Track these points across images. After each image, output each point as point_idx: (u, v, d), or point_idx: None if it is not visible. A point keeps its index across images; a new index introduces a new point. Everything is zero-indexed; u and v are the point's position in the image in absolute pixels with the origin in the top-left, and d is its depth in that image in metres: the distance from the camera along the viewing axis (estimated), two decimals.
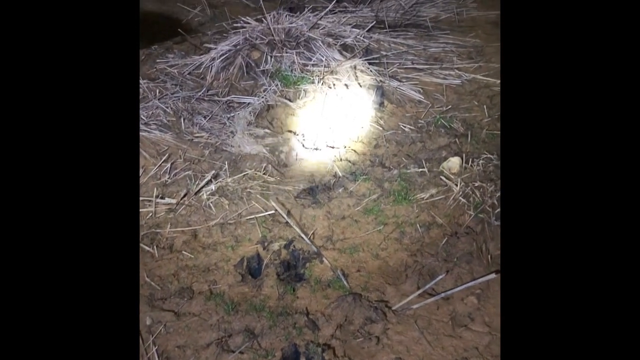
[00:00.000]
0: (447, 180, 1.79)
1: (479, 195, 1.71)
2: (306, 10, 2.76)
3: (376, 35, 2.61)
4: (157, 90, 2.22)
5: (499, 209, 1.64)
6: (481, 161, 1.85)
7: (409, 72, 2.41)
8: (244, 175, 1.84)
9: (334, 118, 2.16)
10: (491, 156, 1.87)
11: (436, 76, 2.39)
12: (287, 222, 1.66)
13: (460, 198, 1.71)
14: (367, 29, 2.62)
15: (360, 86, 2.30)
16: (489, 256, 1.54)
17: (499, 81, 2.32)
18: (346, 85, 2.29)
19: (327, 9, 2.70)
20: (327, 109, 2.17)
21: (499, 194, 1.69)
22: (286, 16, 2.65)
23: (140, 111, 2.10)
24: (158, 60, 2.46)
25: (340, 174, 1.88)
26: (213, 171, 1.85)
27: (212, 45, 2.53)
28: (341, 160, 1.95)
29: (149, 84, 2.27)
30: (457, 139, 2.01)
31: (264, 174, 1.86)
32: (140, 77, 2.32)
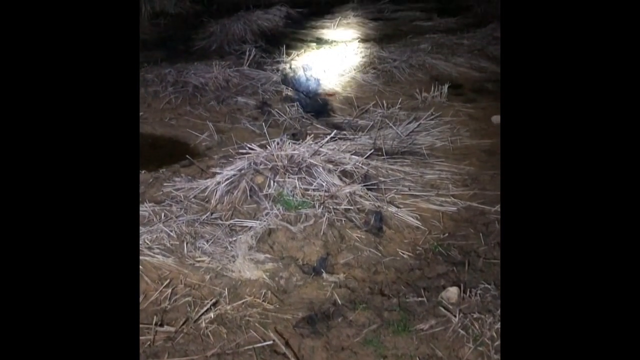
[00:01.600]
0: (445, 311, 1.80)
1: (477, 327, 1.71)
2: (308, 137, 2.92)
3: (374, 162, 2.74)
4: (163, 214, 2.29)
5: (498, 342, 1.63)
6: (479, 291, 1.87)
7: (406, 198, 2.49)
8: (244, 302, 1.86)
9: (334, 242, 2.20)
10: (489, 286, 1.89)
11: (433, 203, 2.47)
12: (285, 354, 1.65)
13: (459, 330, 1.71)
14: (365, 156, 2.75)
15: (359, 211, 2.37)
16: None
17: (494, 208, 2.39)
18: (346, 210, 2.36)
19: (328, 137, 2.85)
20: (327, 233, 2.22)
21: (497, 325, 1.69)
22: (289, 143, 2.79)
23: (145, 235, 2.15)
24: (165, 184, 2.56)
25: (340, 302, 1.88)
26: (213, 298, 1.86)
27: (217, 170, 2.65)
28: (340, 287, 1.97)
29: (155, 208, 2.34)
30: (455, 267, 2.04)
31: (263, 301, 1.87)
32: (147, 201, 2.40)
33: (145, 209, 2.32)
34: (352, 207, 2.36)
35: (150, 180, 2.62)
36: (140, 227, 2.20)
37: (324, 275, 2.04)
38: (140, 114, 3.32)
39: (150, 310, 1.81)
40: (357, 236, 2.23)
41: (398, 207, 2.42)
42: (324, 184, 2.50)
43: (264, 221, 2.27)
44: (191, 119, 3.32)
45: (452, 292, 1.88)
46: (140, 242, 2.11)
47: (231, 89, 3.70)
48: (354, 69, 4.15)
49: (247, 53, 4.23)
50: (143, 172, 2.67)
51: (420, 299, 1.88)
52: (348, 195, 2.43)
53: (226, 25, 5.12)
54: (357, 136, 3.07)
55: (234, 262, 2.05)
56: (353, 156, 2.75)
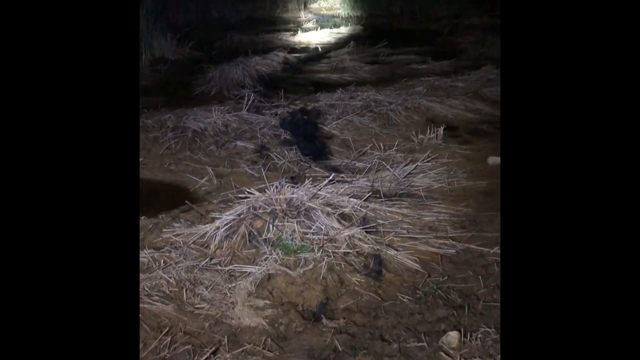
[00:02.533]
0: (446, 356, 1.78)
1: None
2: (307, 181, 2.95)
3: (372, 204, 2.76)
4: (162, 260, 2.30)
5: None
6: (479, 335, 1.86)
7: (405, 240, 2.51)
8: (243, 350, 1.84)
9: (333, 287, 2.20)
10: (489, 330, 1.88)
11: (431, 245, 2.48)
12: None
13: None
14: (364, 199, 2.77)
15: (359, 255, 2.38)
16: None
17: (492, 250, 2.40)
18: (345, 253, 2.37)
19: (327, 180, 2.88)
20: (327, 277, 2.22)
21: None
22: (288, 187, 2.82)
23: (144, 282, 2.15)
24: (164, 230, 2.57)
25: (340, 348, 1.87)
26: (213, 346, 1.85)
27: (217, 214, 2.66)
28: (341, 332, 1.96)
29: (154, 254, 2.35)
30: (454, 311, 2.04)
31: (263, 348, 1.86)
32: (146, 247, 2.41)
33: (144, 256, 2.33)
34: (351, 251, 2.37)
35: (150, 226, 2.63)
36: (140, 274, 2.20)
37: (324, 320, 2.03)
38: (140, 159, 3.36)
39: (150, 359, 1.79)
40: (356, 280, 2.23)
41: (397, 250, 2.42)
42: (322, 228, 2.51)
43: (263, 266, 2.27)
44: (191, 163, 3.36)
45: (453, 336, 1.87)
46: (140, 290, 2.11)
47: (230, 134, 3.76)
48: (351, 112, 4.22)
49: (246, 98, 4.31)
50: (143, 217, 2.68)
51: (420, 344, 1.87)
52: (347, 238, 2.44)
53: (225, 71, 5.23)
54: (355, 179, 3.11)
55: (233, 308, 2.04)
56: (351, 199, 2.77)
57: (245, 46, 6.23)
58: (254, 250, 2.41)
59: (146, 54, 5.57)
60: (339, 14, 7.84)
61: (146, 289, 2.11)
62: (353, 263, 2.32)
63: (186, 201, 2.84)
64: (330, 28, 7.17)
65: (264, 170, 3.15)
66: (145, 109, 4.21)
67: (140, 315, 1.99)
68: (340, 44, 6.57)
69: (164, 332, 1.91)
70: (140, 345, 1.85)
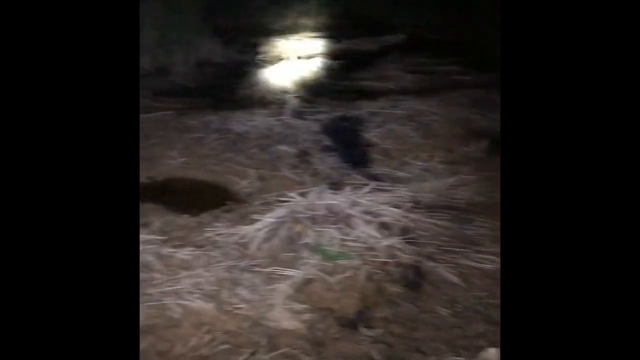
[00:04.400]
0: None
1: None
2: (347, 188, 2.96)
3: (413, 215, 2.75)
4: (203, 259, 2.34)
5: None
6: None
7: (445, 253, 2.48)
8: (281, 353, 1.86)
9: (371, 296, 2.20)
10: None
11: (472, 259, 2.45)
12: None
13: None
14: (404, 209, 2.76)
15: (398, 265, 2.37)
16: None
17: None
18: (383, 262, 2.36)
19: (367, 188, 2.89)
20: (365, 286, 2.22)
21: None
22: (328, 193, 2.84)
23: (186, 279, 2.20)
24: (206, 229, 2.62)
25: (376, 358, 1.87)
26: (251, 347, 1.87)
27: (257, 217, 2.70)
28: (377, 342, 1.96)
29: (196, 252, 2.40)
30: (493, 327, 2.01)
31: (300, 352, 1.87)
32: (189, 245, 2.46)
33: (187, 253, 2.38)
34: (390, 261, 2.37)
35: (192, 224, 2.68)
36: (182, 271, 2.25)
37: (361, 329, 2.03)
38: (184, 159, 3.43)
39: (190, 356, 1.83)
40: (395, 291, 2.22)
41: (437, 263, 2.40)
42: (362, 235, 2.51)
43: (302, 270, 2.29)
44: (233, 165, 3.40)
45: (491, 353, 1.84)
46: (182, 287, 2.15)
47: (272, 137, 3.79)
48: (393, 121, 4.21)
49: (289, 103, 4.35)
50: (186, 216, 2.74)
51: (458, 358, 1.85)
52: (386, 247, 2.44)
53: (269, 75, 5.29)
54: (395, 188, 3.09)
55: (271, 311, 2.06)
56: (391, 208, 2.76)
57: (290, 51, 6.29)
58: (293, 254, 2.43)
59: (192, 56, 5.66)
60: (383, 22, 7.83)
61: (188, 286, 2.15)
62: (392, 273, 2.31)
63: (227, 202, 2.89)
64: (374, 36, 7.16)
65: (304, 175, 3.17)
66: (190, 109, 4.30)
67: (181, 311, 2.03)
68: (383, 52, 6.55)
69: (204, 329, 1.94)
70: (181, 342, 1.89)
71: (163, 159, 3.41)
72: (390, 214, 2.70)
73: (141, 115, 4.14)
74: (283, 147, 3.64)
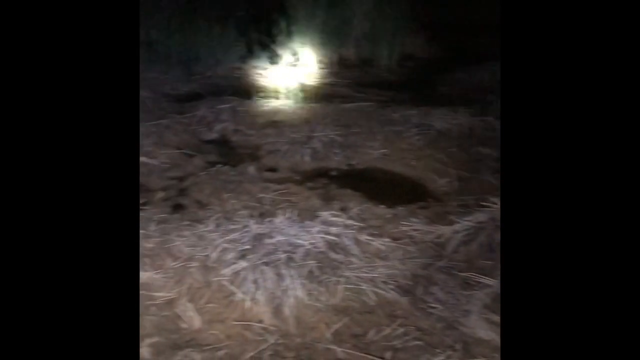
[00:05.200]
0: None
1: None
2: None
3: None
4: (399, 252, 2.34)
5: None
6: None
7: None
8: None
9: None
10: None
11: None
12: None
13: None
14: None
15: None
16: None
17: None
18: None
19: None
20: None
21: None
22: None
23: (381, 269, 2.21)
24: (402, 222, 2.62)
25: None
26: (445, 349, 1.82)
27: (455, 218, 2.61)
28: None
29: (392, 244, 2.40)
30: None
31: None
32: (384, 236, 2.47)
33: (382, 243, 2.40)
34: None
35: (388, 215, 2.70)
36: (378, 261, 2.28)
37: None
38: (384, 151, 3.47)
39: (382, 344, 1.84)
40: None
41: None
42: None
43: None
44: (431, 162, 3.35)
45: None
46: (377, 275, 2.18)
47: (474, 138, 3.66)
48: None
49: (493, 103, 4.15)
50: (382, 206, 2.77)
51: None
52: None
53: (472, 74, 5.11)
54: None
55: (467, 317, 1.98)
56: None
57: (495, 52, 6.00)
58: (492, 263, 2.31)
59: (397, 50, 5.70)
60: None
61: (383, 275, 2.17)
62: None
63: (426, 199, 2.85)
64: None
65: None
66: (392, 102, 4.33)
67: (375, 299, 2.05)
68: None
69: (397, 322, 1.94)
70: (374, 330, 1.91)
71: (364, 148, 3.49)
72: None
73: (342, 105, 4.30)
74: (485, 150, 3.49)
